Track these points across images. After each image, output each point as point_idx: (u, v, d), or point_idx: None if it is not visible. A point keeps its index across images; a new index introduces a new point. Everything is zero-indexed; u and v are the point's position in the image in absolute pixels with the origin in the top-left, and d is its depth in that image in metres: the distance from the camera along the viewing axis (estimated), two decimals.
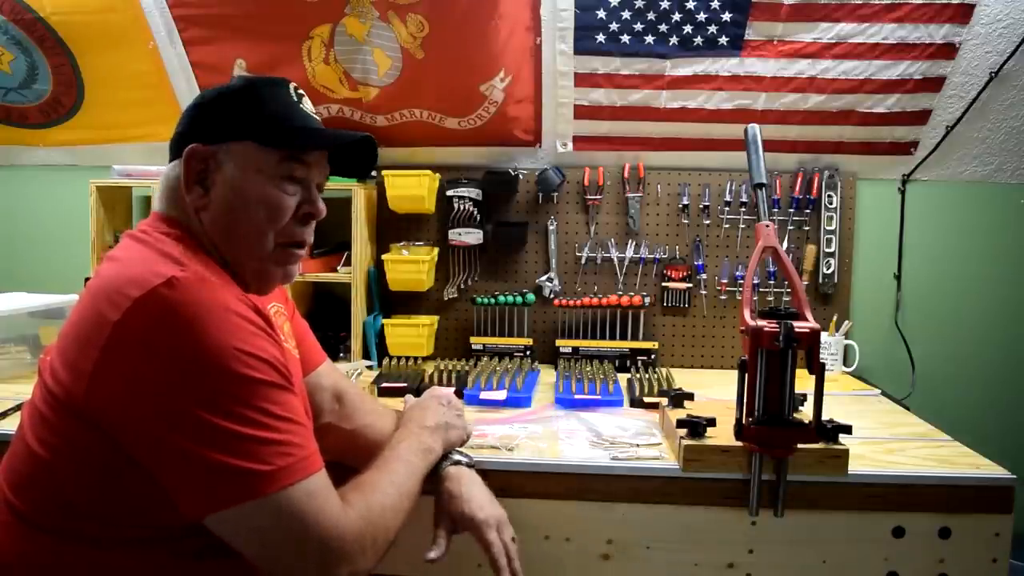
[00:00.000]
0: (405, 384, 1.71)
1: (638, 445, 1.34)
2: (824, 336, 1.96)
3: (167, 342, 0.81)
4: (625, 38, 1.94)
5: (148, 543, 0.87)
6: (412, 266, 2.02)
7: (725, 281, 2.09)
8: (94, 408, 0.83)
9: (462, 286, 2.15)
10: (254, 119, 0.97)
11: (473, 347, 2.05)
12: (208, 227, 0.97)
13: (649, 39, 1.94)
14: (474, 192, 2.07)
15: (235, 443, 0.80)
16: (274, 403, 0.84)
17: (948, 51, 1.91)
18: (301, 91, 1.04)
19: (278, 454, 0.82)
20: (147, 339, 0.81)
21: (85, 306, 0.87)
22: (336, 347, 2.05)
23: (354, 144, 1.06)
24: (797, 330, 1.16)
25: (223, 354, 0.81)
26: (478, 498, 1.11)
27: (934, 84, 1.95)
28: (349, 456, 1.14)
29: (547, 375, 1.91)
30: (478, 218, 2.09)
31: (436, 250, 2.11)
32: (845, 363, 2.04)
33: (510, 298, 2.03)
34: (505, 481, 1.26)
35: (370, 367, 1.97)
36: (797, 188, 2.06)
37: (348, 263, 2.03)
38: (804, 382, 1.21)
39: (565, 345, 2.02)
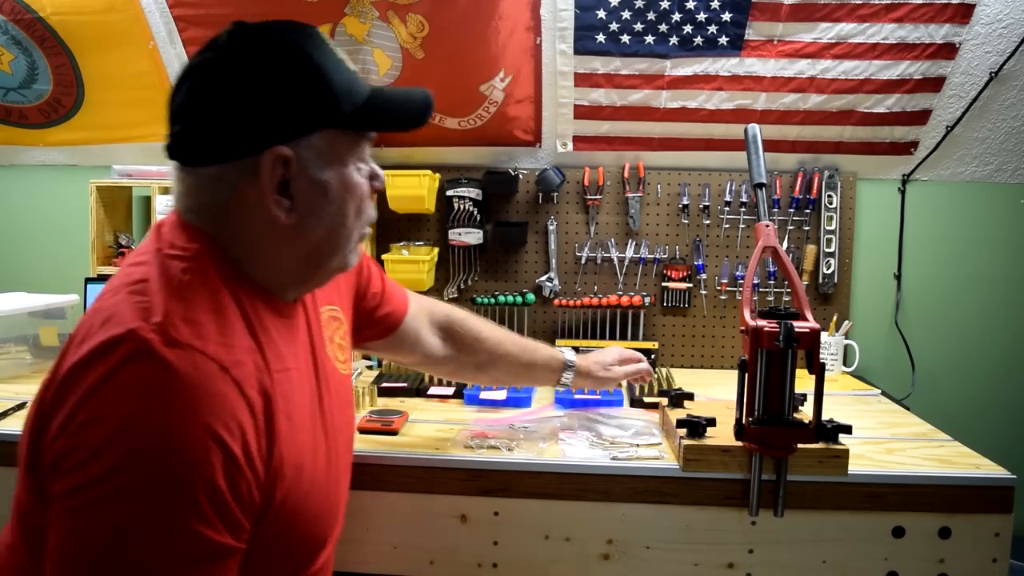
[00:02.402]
0: (405, 384, 1.71)
1: (638, 445, 1.34)
2: (824, 336, 1.96)
3: (100, 422, 0.69)
4: (625, 38, 1.94)
5: None
6: (412, 266, 2.02)
7: (725, 281, 2.09)
8: (38, 457, 0.74)
9: (462, 286, 2.15)
10: (328, 101, 0.81)
11: None
12: (282, 243, 0.83)
13: (649, 39, 1.94)
14: (474, 192, 2.07)
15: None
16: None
17: (948, 51, 1.91)
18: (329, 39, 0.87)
19: None
20: (85, 406, 0.70)
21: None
22: None
23: None
24: (797, 330, 1.16)
25: (158, 470, 0.68)
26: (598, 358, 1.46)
27: (934, 84, 1.95)
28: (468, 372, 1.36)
29: None
30: (478, 218, 2.09)
31: (436, 250, 2.11)
32: (845, 363, 2.04)
33: (510, 298, 2.03)
34: (505, 481, 1.26)
35: (370, 367, 1.97)
36: (797, 188, 2.06)
37: None
38: (804, 382, 1.21)
39: (565, 345, 2.02)
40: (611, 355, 1.49)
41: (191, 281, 0.78)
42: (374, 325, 1.21)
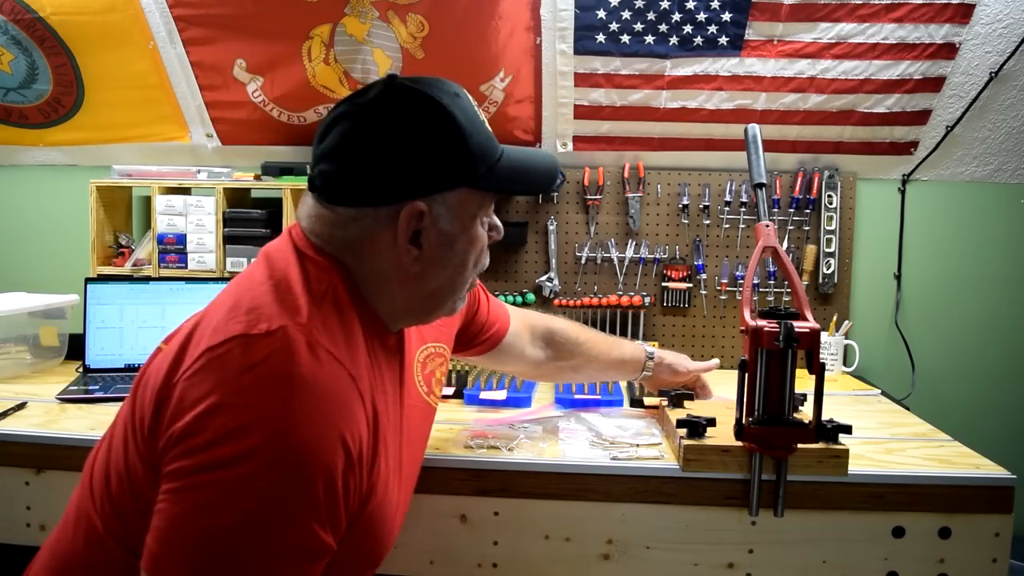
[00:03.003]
0: None
1: (638, 445, 1.34)
2: (824, 336, 1.96)
3: (238, 407, 0.71)
4: (625, 38, 1.94)
5: None
6: None
7: (725, 281, 2.09)
8: (157, 428, 0.77)
9: None
10: (467, 162, 0.85)
11: None
12: (403, 285, 0.88)
13: (649, 39, 1.94)
14: None
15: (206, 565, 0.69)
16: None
17: (948, 51, 1.91)
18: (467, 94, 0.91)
19: None
20: (222, 389, 0.72)
21: (212, 307, 0.83)
22: None
23: None
24: (797, 330, 1.15)
25: (288, 462, 0.70)
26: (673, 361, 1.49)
27: (934, 84, 1.95)
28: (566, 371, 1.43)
29: None
30: None
31: None
32: (845, 363, 2.04)
33: (510, 298, 2.03)
34: (505, 481, 1.26)
35: None
36: (797, 188, 2.06)
37: None
38: (804, 382, 1.21)
39: None
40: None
41: (325, 291, 0.83)
42: (476, 346, 1.31)
